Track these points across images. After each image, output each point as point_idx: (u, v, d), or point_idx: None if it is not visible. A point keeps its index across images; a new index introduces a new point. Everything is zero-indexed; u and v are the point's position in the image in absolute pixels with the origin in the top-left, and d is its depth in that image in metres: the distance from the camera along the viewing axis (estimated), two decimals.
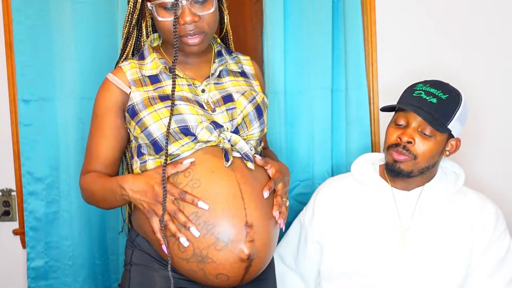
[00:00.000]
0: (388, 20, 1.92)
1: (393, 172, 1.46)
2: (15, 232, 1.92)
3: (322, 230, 1.55)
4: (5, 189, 1.91)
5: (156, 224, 1.23)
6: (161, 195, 1.21)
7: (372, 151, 1.91)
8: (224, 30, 1.48)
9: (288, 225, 1.71)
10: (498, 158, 1.93)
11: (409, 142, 1.41)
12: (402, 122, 1.44)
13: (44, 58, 1.78)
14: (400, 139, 1.42)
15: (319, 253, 1.55)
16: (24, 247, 1.89)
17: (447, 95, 1.42)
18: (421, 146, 1.41)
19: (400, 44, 1.93)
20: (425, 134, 1.41)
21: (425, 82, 1.47)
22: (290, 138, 1.90)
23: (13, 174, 1.89)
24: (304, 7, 1.85)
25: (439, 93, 1.42)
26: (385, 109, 1.51)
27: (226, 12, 1.44)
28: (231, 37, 1.51)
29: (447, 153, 1.48)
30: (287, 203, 1.35)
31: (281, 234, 1.70)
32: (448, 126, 1.41)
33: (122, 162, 1.53)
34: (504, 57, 1.90)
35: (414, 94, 1.44)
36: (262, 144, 1.48)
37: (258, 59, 1.96)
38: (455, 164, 1.55)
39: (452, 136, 1.46)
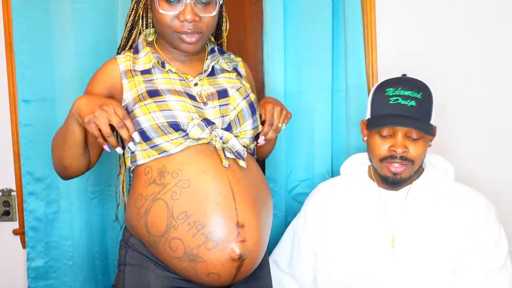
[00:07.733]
0: (388, 20, 1.92)
1: (394, 184, 1.46)
2: (15, 232, 1.92)
3: (315, 236, 1.54)
4: (5, 189, 1.91)
5: (95, 129, 1.18)
6: (108, 103, 1.19)
7: None
8: (221, 38, 1.50)
9: (282, 231, 1.71)
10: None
11: (404, 152, 1.40)
12: (388, 133, 1.42)
13: (44, 58, 1.78)
14: (394, 151, 1.40)
15: (313, 259, 1.55)
16: (24, 247, 1.89)
17: (421, 93, 1.40)
18: (414, 151, 1.41)
19: (399, 44, 1.93)
20: (414, 139, 1.41)
21: (393, 84, 1.44)
22: (290, 138, 1.89)
23: (13, 174, 1.89)
24: (304, 7, 1.85)
25: (414, 94, 1.40)
26: (372, 127, 1.44)
27: (225, 20, 1.46)
28: (225, 44, 1.53)
29: (430, 143, 1.48)
30: (283, 126, 1.41)
31: (278, 237, 1.71)
32: (431, 122, 1.43)
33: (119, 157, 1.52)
34: (503, 55, 1.90)
35: (390, 102, 1.40)
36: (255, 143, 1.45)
37: (258, 59, 1.96)
38: (444, 160, 1.54)
39: None
